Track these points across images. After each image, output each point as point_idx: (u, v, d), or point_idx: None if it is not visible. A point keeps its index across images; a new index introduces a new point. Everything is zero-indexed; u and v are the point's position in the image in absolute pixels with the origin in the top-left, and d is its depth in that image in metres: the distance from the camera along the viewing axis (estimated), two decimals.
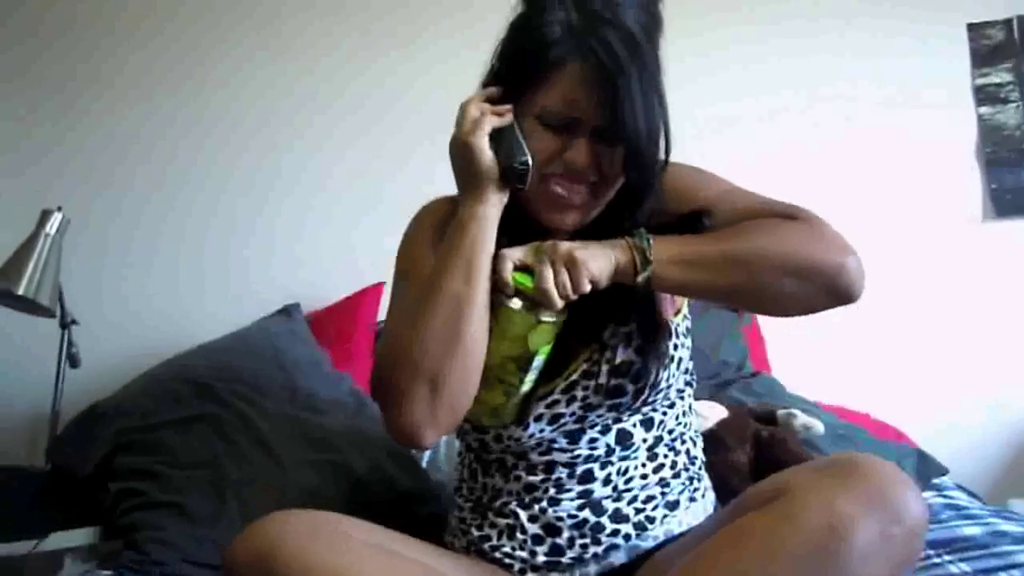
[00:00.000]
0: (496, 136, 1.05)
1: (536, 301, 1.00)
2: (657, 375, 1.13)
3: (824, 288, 1.02)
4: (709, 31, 2.27)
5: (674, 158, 1.09)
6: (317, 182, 2.27)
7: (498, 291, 1.02)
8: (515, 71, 1.06)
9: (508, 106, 1.06)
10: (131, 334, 2.18)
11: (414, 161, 2.23)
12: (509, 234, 1.07)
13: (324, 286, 2.19)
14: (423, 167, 2.19)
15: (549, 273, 0.98)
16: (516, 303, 1.01)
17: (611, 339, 1.11)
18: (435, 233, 1.13)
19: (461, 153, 1.06)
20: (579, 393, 1.12)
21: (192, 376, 1.69)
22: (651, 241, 1.01)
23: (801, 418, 1.61)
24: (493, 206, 1.05)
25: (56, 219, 1.82)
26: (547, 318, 1.01)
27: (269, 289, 2.17)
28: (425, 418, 1.01)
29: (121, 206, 2.24)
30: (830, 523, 0.86)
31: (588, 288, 0.99)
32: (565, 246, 0.99)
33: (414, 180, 2.19)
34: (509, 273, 1.00)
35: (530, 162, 1.05)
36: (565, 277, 0.98)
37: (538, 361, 1.04)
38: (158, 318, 2.20)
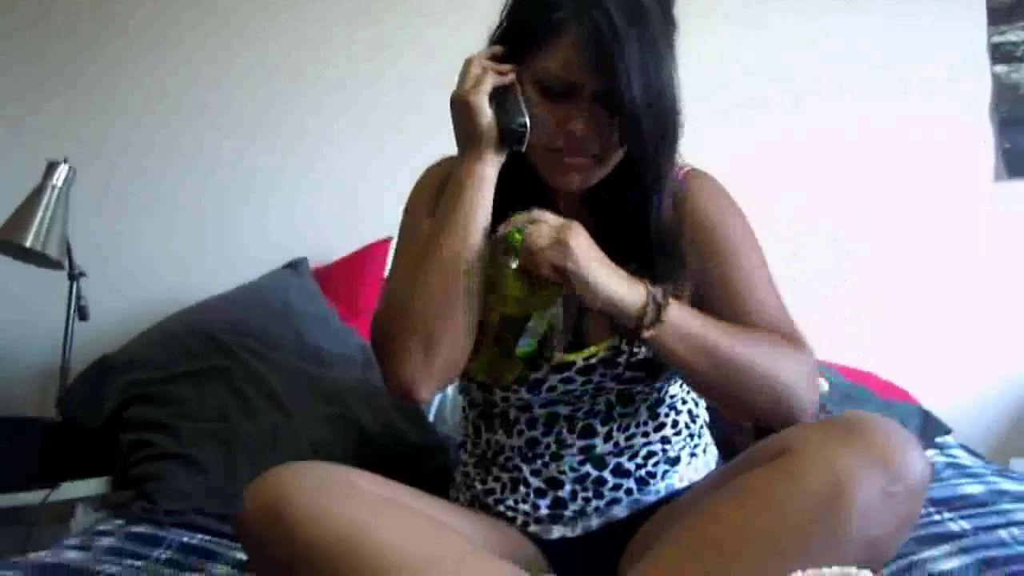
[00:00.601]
0: (497, 96, 1.05)
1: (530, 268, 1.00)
2: (673, 371, 1.13)
3: (781, 418, 1.05)
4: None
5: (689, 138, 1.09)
6: (324, 137, 2.26)
7: (503, 251, 1.02)
8: (519, 32, 1.06)
9: (510, 66, 1.06)
10: (139, 286, 2.18)
11: (420, 117, 2.20)
12: (517, 193, 1.07)
13: (330, 241, 2.19)
14: (429, 124, 2.17)
15: (535, 238, 0.98)
16: (514, 263, 1.00)
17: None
18: (437, 194, 1.13)
19: (461, 111, 1.06)
20: (595, 377, 1.13)
21: (202, 329, 1.70)
22: (670, 301, 1.01)
23: None
24: (491, 165, 1.06)
25: (62, 171, 1.82)
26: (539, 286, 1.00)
27: (276, 243, 2.17)
28: (420, 374, 1.03)
29: (129, 159, 2.23)
30: (832, 480, 0.87)
31: (545, 272, 0.98)
32: (572, 233, 0.98)
33: (420, 136, 2.18)
34: (506, 228, 1.00)
35: (528, 124, 1.04)
36: (549, 253, 0.98)
37: (533, 324, 1.04)
38: (166, 271, 2.21)
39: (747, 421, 1.12)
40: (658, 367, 1.12)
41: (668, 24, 1.05)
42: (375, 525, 0.90)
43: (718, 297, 1.11)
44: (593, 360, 1.11)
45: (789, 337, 1.09)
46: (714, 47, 2.19)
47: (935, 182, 2.24)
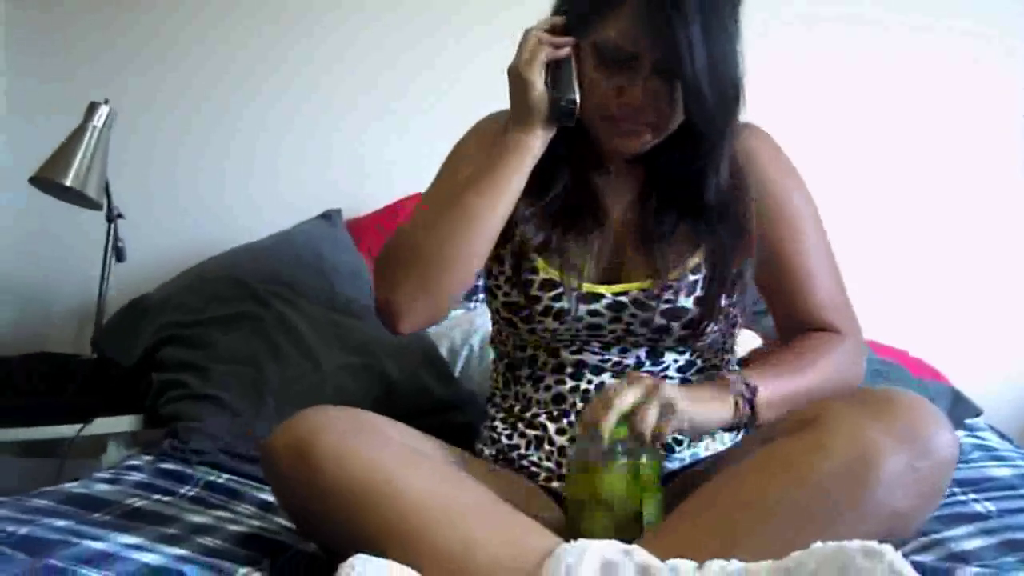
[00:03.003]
0: (553, 68, 1.08)
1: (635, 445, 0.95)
2: (707, 328, 1.13)
3: None
4: None
5: None
6: (364, 90, 2.25)
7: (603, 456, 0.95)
8: (581, 1, 1.08)
9: (568, 39, 1.08)
10: (176, 230, 2.21)
11: (463, 75, 2.20)
12: (569, 152, 1.12)
13: (365, 194, 2.19)
14: (470, 81, 2.17)
15: (652, 416, 0.94)
16: (622, 459, 0.94)
17: (676, 281, 1.12)
18: (482, 148, 1.16)
19: (514, 82, 1.09)
20: (625, 317, 1.13)
21: (235, 275, 1.71)
22: (756, 391, 1.03)
23: None
24: (537, 138, 1.09)
25: (103, 112, 1.83)
26: (642, 463, 0.95)
27: (311, 193, 2.18)
28: (405, 308, 1.10)
29: (170, 103, 2.24)
30: (860, 453, 0.87)
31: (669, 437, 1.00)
32: (668, 392, 0.96)
33: (460, 94, 2.18)
34: (609, 431, 0.94)
35: (578, 100, 1.06)
36: (668, 427, 0.96)
37: (649, 516, 0.96)
38: (203, 215, 2.22)
39: None
40: (691, 320, 1.12)
41: None
42: (399, 471, 0.91)
43: (779, 275, 1.16)
44: (624, 298, 1.12)
45: (843, 328, 1.14)
46: None
47: (976, 161, 2.19)
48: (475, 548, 0.87)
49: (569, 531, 0.93)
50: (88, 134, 1.81)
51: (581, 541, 0.86)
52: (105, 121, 1.83)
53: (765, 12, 2.02)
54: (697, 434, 1.04)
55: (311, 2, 2.25)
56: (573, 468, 0.99)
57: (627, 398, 0.95)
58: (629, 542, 0.87)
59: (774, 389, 1.05)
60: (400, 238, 1.13)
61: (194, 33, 2.25)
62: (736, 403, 1.03)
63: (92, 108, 1.83)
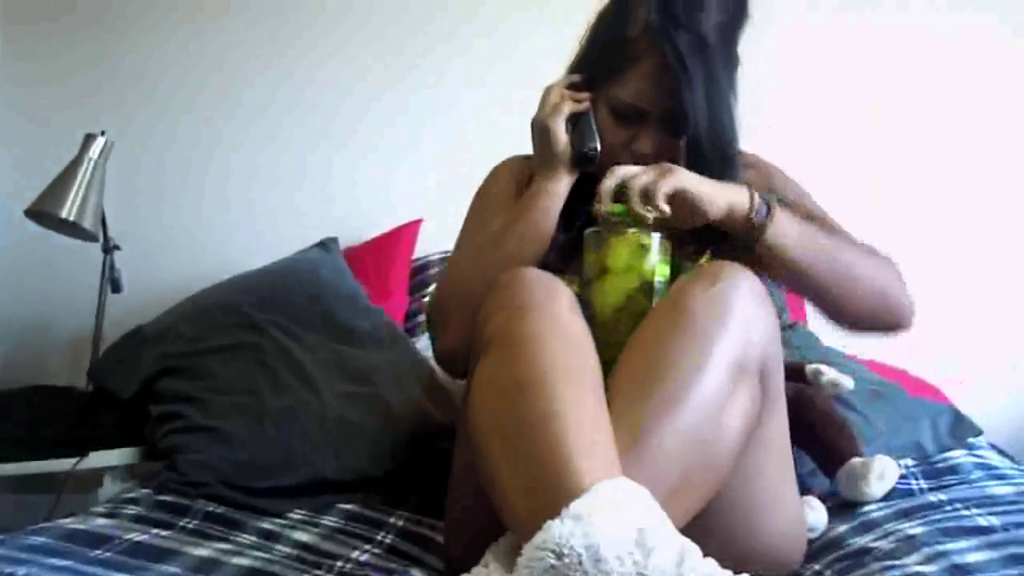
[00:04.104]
0: (573, 120, 1.20)
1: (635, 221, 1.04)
2: None
3: (889, 322, 1.16)
4: None
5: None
6: (359, 120, 2.27)
7: (600, 220, 1.07)
8: (597, 60, 1.20)
9: (587, 94, 1.20)
10: (172, 260, 2.21)
11: (457, 105, 2.22)
12: (584, 199, 1.17)
13: (361, 222, 2.20)
14: (467, 111, 2.19)
15: (646, 176, 1.03)
16: (628, 231, 1.04)
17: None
18: (507, 189, 1.29)
19: (539, 134, 1.21)
20: None
21: (233, 304, 1.70)
22: (772, 203, 1.08)
23: (828, 374, 1.54)
24: (562, 184, 1.20)
25: (99, 143, 1.84)
26: (644, 236, 1.04)
27: (307, 222, 2.19)
28: (462, 352, 1.10)
29: (165, 133, 2.25)
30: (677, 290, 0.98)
31: (662, 203, 1.02)
32: (676, 168, 1.05)
33: (456, 123, 2.19)
34: (608, 193, 1.05)
35: (599, 148, 1.18)
36: (663, 182, 1.02)
37: (659, 285, 1.05)
38: (199, 245, 2.23)
39: (857, 329, 1.19)
40: None
41: (731, 60, 1.16)
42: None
43: None
44: None
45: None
46: None
47: (978, 176, 2.21)
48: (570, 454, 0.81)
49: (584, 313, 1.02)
50: (84, 166, 1.81)
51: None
52: (101, 153, 1.84)
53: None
54: (711, 210, 1.05)
55: (306, 33, 2.27)
56: (590, 246, 1.08)
57: (631, 169, 1.05)
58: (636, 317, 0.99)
59: (795, 217, 1.09)
60: (449, 286, 1.21)
61: (190, 65, 2.26)
62: (752, 195, 1.07)
63: (88, 140, 1.84)
